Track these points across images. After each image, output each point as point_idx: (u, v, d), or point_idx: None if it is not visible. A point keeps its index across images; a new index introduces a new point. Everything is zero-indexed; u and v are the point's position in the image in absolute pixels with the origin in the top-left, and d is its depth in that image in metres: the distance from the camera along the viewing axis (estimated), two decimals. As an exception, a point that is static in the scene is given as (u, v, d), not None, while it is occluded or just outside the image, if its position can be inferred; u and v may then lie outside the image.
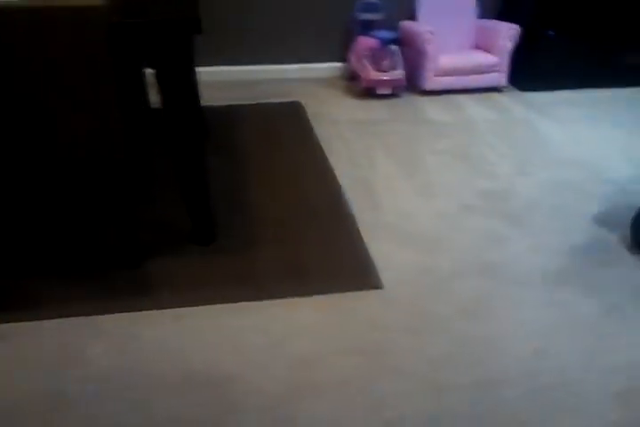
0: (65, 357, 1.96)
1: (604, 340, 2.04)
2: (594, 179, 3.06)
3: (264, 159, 3.21)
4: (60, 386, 1.85)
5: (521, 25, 4.11)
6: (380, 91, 4.08)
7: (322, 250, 2.48)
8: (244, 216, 2.71)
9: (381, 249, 2.48)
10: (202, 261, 2.42)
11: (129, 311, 2.16)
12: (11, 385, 1.86)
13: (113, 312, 2.16)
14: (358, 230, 2.60)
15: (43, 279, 2.30)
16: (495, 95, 4.20)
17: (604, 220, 2.70)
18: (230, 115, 3.71)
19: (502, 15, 4.36)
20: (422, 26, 4.13)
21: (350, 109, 3.92)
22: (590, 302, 2.21)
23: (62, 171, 2.26)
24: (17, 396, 1.82)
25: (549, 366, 1.93)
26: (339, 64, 4.52)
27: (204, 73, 4.17)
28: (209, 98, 3.84)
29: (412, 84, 4.21)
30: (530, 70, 4.24)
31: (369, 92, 4.10)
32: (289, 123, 3.66)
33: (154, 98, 2.79)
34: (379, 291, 2.25)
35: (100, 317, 2.14)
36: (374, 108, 3.95)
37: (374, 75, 4.04)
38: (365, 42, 4.14)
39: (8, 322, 2.10)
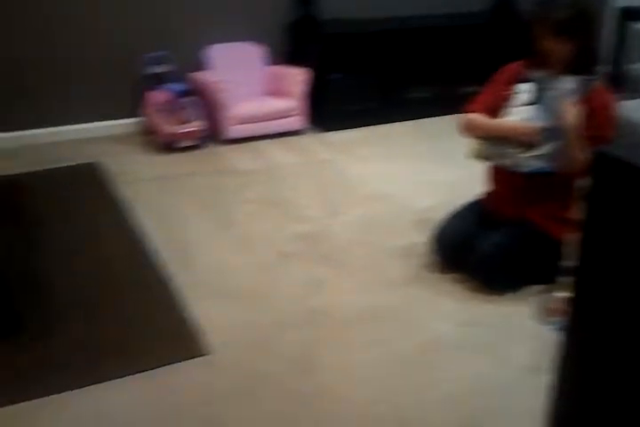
0: None
1: (434, 373, 2.06)
2: (400, 212, 3.16)
3: (59, 230, 2.94)
4: None
5: (311, 69, 4.23)
6: (181, 144, 3.98)
7: (137, 321, 2.30)
8: (45, 297, 2.45)
9: (203, 310, 2.35)
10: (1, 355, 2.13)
11: None
12: None
13: None
14: (175, 294, 2.45)
15: None
16: (297, 138, 4.26)
17: (415, 251, 2.78)
18: (16, 185, 3.38)
19: (291, 61, 4.48)
20: (213, 76, 4.11)
21: (152, 165, 3.77)
22: (413, 336, 2.23)
23: None
24: None
25: (385, 409, 1.90)
26: (134, 119, 4.35)
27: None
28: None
29: (214, 134, 4.16)
30: (325, 112, 4.37)
31: (169, 146, 3.98)
32: (86, 186, 3.42)
33: None
34: (206, 357, 2.12)
35: None
36: (177, 162, 3.84)
37: (172, 128, 3.93)
38: (158, 95, 4.03)
39: None
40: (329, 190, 3.44)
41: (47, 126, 4.10)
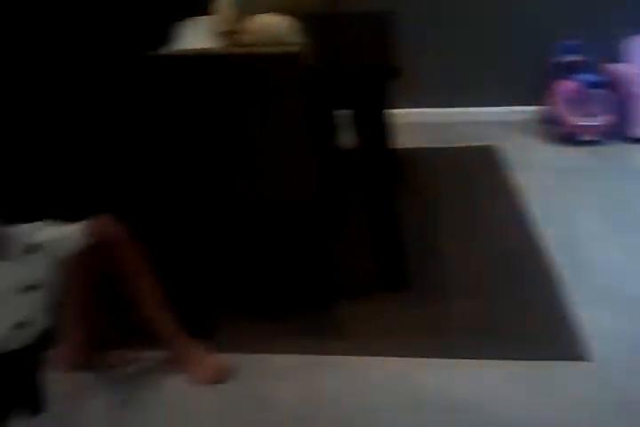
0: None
1: None
2: None
3: (455, 206, 3.06)
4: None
5: None
6: (582, 137, 3.80)
7: (517, 309, 2.29)
8: (433, 265, 2.58)
9: (588, 314, 2.23)
10: (389, 309, 2.33)
11: (312, 354, 2.11)
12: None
13: (294, 353, 2.12)
14: (560, 291, 2.37)
15: (227, 315, 2.31)
16: None
17: None
18: (422, 158, 3.61)
19: None
20: (633, 68, 3.82)
21: (549, 156, 3.68)
22: None
23: (259, 210, 2.28)
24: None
25: None
26: (535, 107, 4.29)
27: (398, 115, 4.13)
28: (401, 140, 3.78)
29: (620, 131, 3.88)
30: None
31: (569, 138, 3.83)
32: (482, 168, 3.50)
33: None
34: (583, 363, 2.01)
35: (280, 356, 2.11)
36: (575, 156, 3.68)
37: (576, 120, 3.77)
38: (566, 85, 3.90)
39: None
40: None
41: (456, 107, 4.28)
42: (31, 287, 1.42)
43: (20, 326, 1.42)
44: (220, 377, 2.03)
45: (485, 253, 2.64)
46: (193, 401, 1.97)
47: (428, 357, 2.07)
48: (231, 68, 1.92)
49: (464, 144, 3.82)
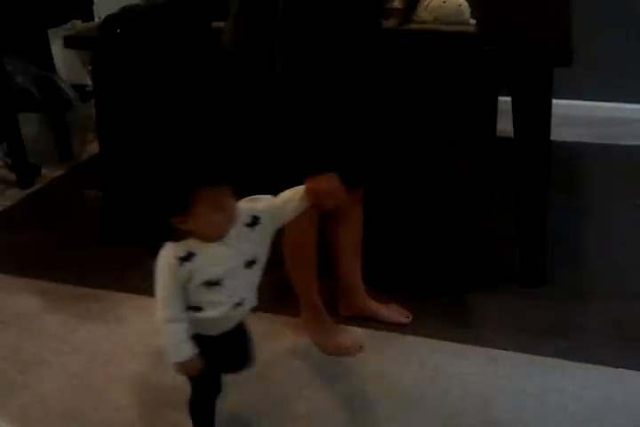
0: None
1: None
2: None
3: (606, 204, 2.90)
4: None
5: None
6: None
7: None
8: (576, 263, 2.48)
9: None
10: (524, 304, 2.27)
11: (438, 339, 2.11)
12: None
13: (421, 336, 2.13)
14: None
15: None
16: None
17: None
18: (578, 152, 3.44)
19: None
20: None
21: None
22: None
23: (411, 192, 2.26)
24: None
25: None
26: None
27: (559, 106, 3.92)
28: (559, 132, 3.59)
29: None
30: None
31: None
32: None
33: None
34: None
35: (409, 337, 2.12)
36: None
37: None
38: None
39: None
40: None
41: (626, 102, 4.00)
42: (252, 262, 1.39)
43: (238, 305, 1.40)
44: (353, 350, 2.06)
45: (629, 258, 2.50)
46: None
47: (554, 357, 2.00)
48: (406, 45, 1.91)
49: (628, 143, 3.59)
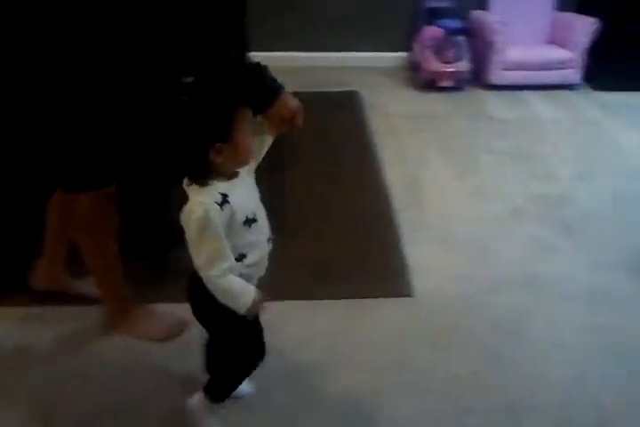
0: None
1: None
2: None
3: (311, 150, 3.08)
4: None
5: (601, 19, 3.82)
6: (442, 83, 3.89)
7: (354, 250, 2.35)
8: (281, 205, 2.59)
9: (419, 253, 2.33)
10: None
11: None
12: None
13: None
14: (397, 232, 2.46)
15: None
16: (566, 93, 3.94)
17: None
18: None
19: (581, 9, 4.08)
20: (493, 16, 3.91)
21: (409, 102, 3.76)
22: (636, 327, 2.00)
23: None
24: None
25: (584, 398, 1.75)
26: (403, 54, 4.34)
27: (264, 58, 4.05)
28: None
29: (478, 78, 4.00)
30: (606, 68, 3.95)
31: (430, 84, 3.92)
32: (344, 113, 3.53)
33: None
34: (409, 299, 2.11)
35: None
36: (434, 102, 3.77)
37: (437, 66, 3.85)
38: (431, 31, 3.95)
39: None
40: (586, 154, 3.16)
41: (323, 51, 4.24)
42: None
43: (269, 241, 1.42)
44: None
45: (330, 196, 2.67)
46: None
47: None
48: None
49: (329, 89, 3.83)
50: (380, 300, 2.11)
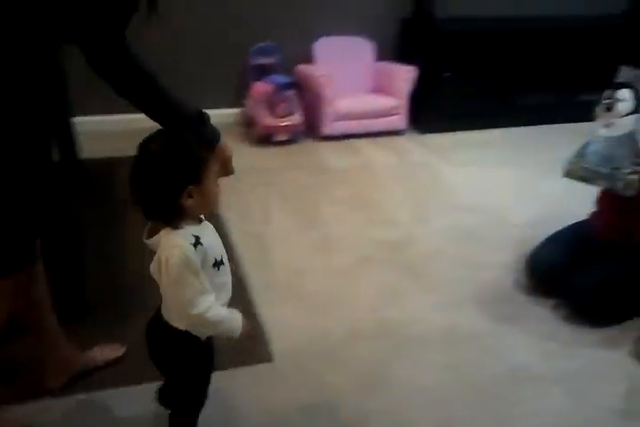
0: None
1: (512, 407, 1.88)
2: (495, 224, 2.97)
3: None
4: None
5: (419, 67, 4.07)
6: (277, 137, 3.94)
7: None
8: (115, 280, 2.44)
9: (272, 313, 2.27)
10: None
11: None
12: None
13: None
14: (248, 294, 2.39)
15: None
16: (395, 139, 4.13)
17: (505, 267, 2.59)
18: (111, 167, 3.43)
19: (400, 58, 4.33)
20: (318, 69, 4.04)
21: (245, 157, 3.74)
22: (493, 364, 2.06)
23: None
24: None
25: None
26: (236, 110, 4.36)
27: (86, 122, 3.89)
28: (90, 149, 3.55)
29: (311, 130, 4.09)
30: (428, 112, 4.21)
31: (266, 139, 3.95)
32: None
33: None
34: (268, 364, 2.03)
35: None
36: (270, 156, 3.80)
37: (270, 121, 3.89)
38: (261, 87, 4.01)
39: None
40: (421, 195, 3.30)
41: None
42: None
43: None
44: None
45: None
46: None
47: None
48: None
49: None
50: (239, 369, 2.02)
